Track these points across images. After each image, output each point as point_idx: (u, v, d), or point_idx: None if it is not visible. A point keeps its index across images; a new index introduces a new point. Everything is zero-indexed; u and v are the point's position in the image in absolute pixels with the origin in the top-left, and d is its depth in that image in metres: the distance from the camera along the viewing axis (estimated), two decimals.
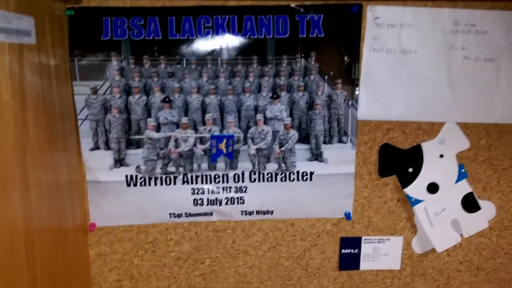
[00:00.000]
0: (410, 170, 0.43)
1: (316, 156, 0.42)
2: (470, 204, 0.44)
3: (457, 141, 0.43)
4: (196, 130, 0.41)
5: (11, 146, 0.30)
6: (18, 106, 0.31)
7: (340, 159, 0.43)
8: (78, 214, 0.42)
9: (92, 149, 0.41)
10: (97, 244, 0.44)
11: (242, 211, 0.44)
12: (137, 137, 0.41)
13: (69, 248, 0.40)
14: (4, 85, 0.29)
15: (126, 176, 0.42)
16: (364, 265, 0.46)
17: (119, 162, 0.41)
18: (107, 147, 0.41)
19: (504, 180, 0.44)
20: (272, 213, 0.44)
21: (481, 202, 0.44)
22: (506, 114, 0.42)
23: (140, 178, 0.42)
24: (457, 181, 0.44)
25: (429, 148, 0.43)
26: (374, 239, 0.45)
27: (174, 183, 0.42)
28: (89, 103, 0.40)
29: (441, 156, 0.43)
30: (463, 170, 0.43)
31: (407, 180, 0.43)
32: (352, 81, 0.41)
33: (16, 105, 0.30)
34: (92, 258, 0.44)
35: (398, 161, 0.43)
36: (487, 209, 0.45)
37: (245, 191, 0.43)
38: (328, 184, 0.43)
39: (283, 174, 0.43)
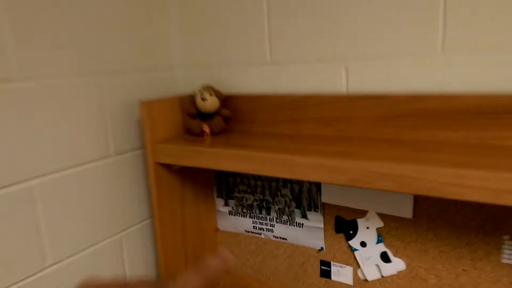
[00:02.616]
0: (351, 232, 0.80)
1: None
2: (385, 257, 0.77)
3: (376, 222, 0.77)
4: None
5: (173, 200, 0.88)
6: (180, 186, 0.88)
7: (317, 221, 0.84)
8: (212, 223, 0.98)
9: (217, 197, 0.97)
10: (220, 238, 1.00)
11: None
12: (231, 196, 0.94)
13: (207, 239, 0.97)
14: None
15: (229, 210, 0.95)
16: (334, 277, 0.85)
17: (226, 203, 0.96)
18: (221, 197, 0.96)
19: (412, 250, 0.75)
20: None
21: (393, 258, 0.76)
22: None
23: (233, 213, 0.95)
24: (377, 243, 0.78)
25: (361, 223, 0.79)
26: (339, 265, 0.84)
27: (247, 217, 0.93)
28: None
29: (368, 228, 0.78)
30: (380, 238, 0.77)
31: (350, 237, 0.80)
32: None
33: (179, 186, 0.88)
34: (219, 241, 1.01)
35: (346, 227, 0.80)
36: (397, 263, 0.76)
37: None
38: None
39: None
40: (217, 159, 0.71)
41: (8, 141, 0.65)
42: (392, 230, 0.76)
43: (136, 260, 0.90)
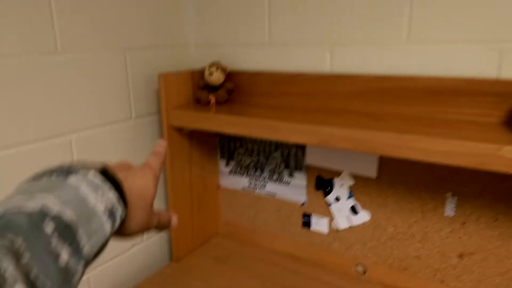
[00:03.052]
0: (328, 189, 0.96)
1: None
2: (354, 210, 0.94)
3: (348, 181, 0.93)
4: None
5: (183, 160, 1.05)
6: (189, 148, 1.05)
7: (301, 179, 1.00)
8: (215, 181, 1.16)
9: (220, 158, 1.14)
10: (221, 194, 1.17)
11: None
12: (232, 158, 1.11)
13: (210, 194, 1.14)
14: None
15: (230, 170, 1.12)
16: (313, 227, 1.02)
17: (227, 164, 1.12)
18: (224, 158, 1.13)
19: (375, 204, 0.91)
20: None
21: (360, 211, 0.93)
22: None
23: (232, 172, 1.12)
24: (348, 198, 0.94)
25: (337, 181, 0.95)
26: (318, 217, 1.00)
27: (244, 176, 1.10)
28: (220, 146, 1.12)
29: (342, 185, 0.94)
30: (351, 194, 0.93)
31: (327, 193, 0.97)
32: None
33: (187, 155, 1.05)
34: (220, 196, 1.18)
35: (324, 184, 0.97)
36: (363, 215, 0.93)
37: None
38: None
39: None
40: (219, 124, 0.87)
41: (54, 101, 0.82)
42: (360, 187, 0.92)
43: None
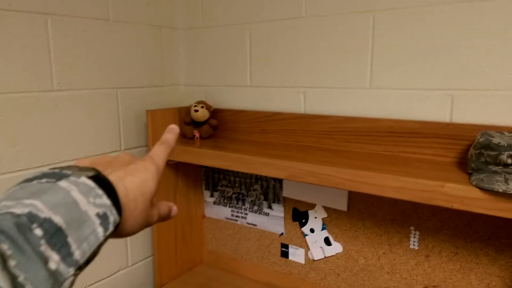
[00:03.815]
0: (304, 221, 1.01)
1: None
2: (327, 241, 0.98)
3: (322, 213, 0.98)
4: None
5: (168, 190, 1.11)
6: (174, 179, 1.12)
7: (279, 211, 1.05)
8: (200, 211, 1.21)
9: (205, 189, 1.20)
10: (206, 223, 1.22)
11: None
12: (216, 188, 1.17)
13: (195, 224, 1.20)
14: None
15: (214, 201, 1.18)
16: (291, 257, 1.06)
17: (211, 194, 1.18)
18: (208, 189, 1.19)
19: (347, 236, 0.96)
20: None
21: (333, 242, 0.98)
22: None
23: (216, 203, 1.18)
24: (322, 230, 0.99)
25: (311, 214, 1.00)
26: (295, 247, 1.05)
27: (227, 206, 1.16)
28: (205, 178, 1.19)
29: (315, 218, 0.99)
30: (324, 226, 0.98)
31: (303, 225, 1.02)
32: None
33: (172, 181, 1.12)
34: (205, 226, 1.23)
35: (300, 216, 1.02)
36: (336, 247, 0.97)
37: None
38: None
39: None
40: (200, 157, 0.94)
41: (51, 133, 0.90)
42: (333, 219, 0.98)
43: (135, 240, 1.13)
